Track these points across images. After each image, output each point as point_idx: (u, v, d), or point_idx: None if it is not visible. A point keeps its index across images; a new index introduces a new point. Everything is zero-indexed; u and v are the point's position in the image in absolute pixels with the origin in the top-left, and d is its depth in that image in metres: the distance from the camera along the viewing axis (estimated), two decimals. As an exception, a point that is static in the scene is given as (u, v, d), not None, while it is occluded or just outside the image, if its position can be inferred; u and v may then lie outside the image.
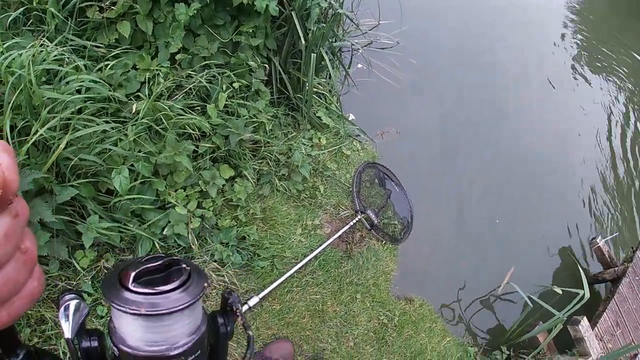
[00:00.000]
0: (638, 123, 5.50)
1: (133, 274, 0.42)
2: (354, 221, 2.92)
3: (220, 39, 2.28)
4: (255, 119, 2.42)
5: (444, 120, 4.18)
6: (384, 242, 3.06)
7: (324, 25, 2.64)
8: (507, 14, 5.82)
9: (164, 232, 2.13)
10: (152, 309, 0.40)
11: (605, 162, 4.87)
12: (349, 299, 2.72)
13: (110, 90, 2.03)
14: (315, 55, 2.59)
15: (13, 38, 1.94)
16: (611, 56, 6.22)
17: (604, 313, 3.33)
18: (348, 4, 3.45)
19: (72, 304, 0.44)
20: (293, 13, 2.52)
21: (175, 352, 0.43)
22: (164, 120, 2.05)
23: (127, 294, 0.41)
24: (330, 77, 2.92)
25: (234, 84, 2.25)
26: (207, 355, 0.48)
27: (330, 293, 2.66)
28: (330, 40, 2.84)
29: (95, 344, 0.45)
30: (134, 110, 2.04)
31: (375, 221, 3.01)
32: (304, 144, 2.79)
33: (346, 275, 2.79)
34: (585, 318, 3.14)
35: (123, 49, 2.20)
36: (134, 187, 2.01)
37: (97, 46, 2.20)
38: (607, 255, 3.81)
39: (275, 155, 2.64)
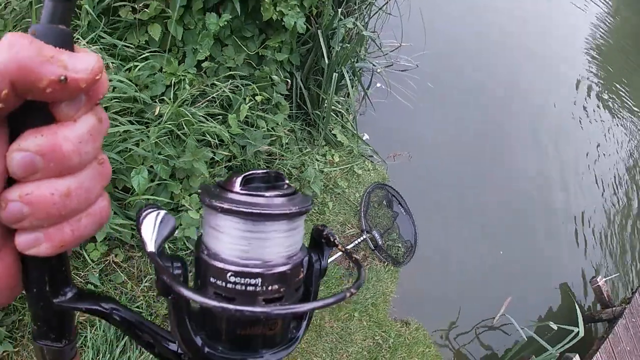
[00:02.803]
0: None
1: (240, 178, 0.38)
2: (359, 240, 2.95)
3: (247, 50, 2.34)
4: (273, 132, 2.46)
5: (457, 147, 4.22)
6: (386, 263, 3.09)
7: (348, 45, 2.70)
8: (526, 42, 5.89)
9: (175, 234, 2.16)
10: (257, 209, 0.36)
11: (618, 203, 4.90)
12: (347, 316, 2.75)
13: (136, 91, 2.09)
14: (336, 74, 2.64)
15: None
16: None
17: (597, 352, 3.33)
18: (372, 24, 3.51)
19: (161, 214, 0.38)
20: (319, 31, 2.57)
21: (269, 272, 0.37)
22: (186, 126, 2.10)
23: (232, 195, 0.37)
24: (348, 96, 2.97)
25: (256, 97, 2.30)
26: (301, 291, 0.42)
27: (328, 309, 2.69)
28: (352, 60, 2.89)
29: (178, 271, 0.38)
30: (157, 112, 2.09)
31: (380, 242, 3.04)
32: (318, 160, 2.83)
33: (346, 292, 2.81)
34: (577, 356, 3.15)
35: (152, 51, 2.25)
36: (150, 187, 2.06)
37: (127, 46, 2.26)
38: (605, 295, 3.83)
39: (288, 169, 2.68)
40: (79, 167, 0.28)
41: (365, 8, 3.24)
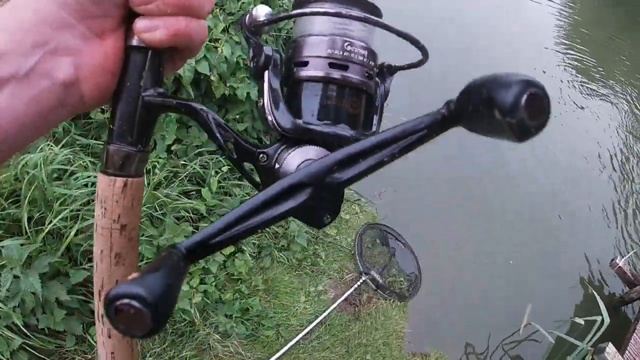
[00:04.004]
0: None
1: None
2: (358, 283, 3.00)
3: (211, 127, 2.52)
4: (249, 196, 2.60)
5: (444, 168, 4.30)
6: (392, 300, 3.11)
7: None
8: (495, 47, 6.09)
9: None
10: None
11: (616, 180, 4.93)
12: (359, 360, 2.76)
13: (113, 184, 2.26)
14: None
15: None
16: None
17: (634, 334, 3.23)
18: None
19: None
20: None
21: (370, 47, 0.43)
22: (162, 207, 2.25)
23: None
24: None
25: (222, 168, 2.47)
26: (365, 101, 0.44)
27: (338, 356, 2.71)
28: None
29: (277, 54, 0.41)
30: (135, 200, 2.26)
31: (380, 281, 3.08)
32: (301, 214, 2.94)
33: (354, 337, 2.84)
34: (610, 344, 3.05)
35: (125, 145, 2.45)
36: (139, 266, 2.19)
37: (100, 144, 2.46)
38: (629, 274, 3.77)
39: (272, 228, 2.80)
40: None
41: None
